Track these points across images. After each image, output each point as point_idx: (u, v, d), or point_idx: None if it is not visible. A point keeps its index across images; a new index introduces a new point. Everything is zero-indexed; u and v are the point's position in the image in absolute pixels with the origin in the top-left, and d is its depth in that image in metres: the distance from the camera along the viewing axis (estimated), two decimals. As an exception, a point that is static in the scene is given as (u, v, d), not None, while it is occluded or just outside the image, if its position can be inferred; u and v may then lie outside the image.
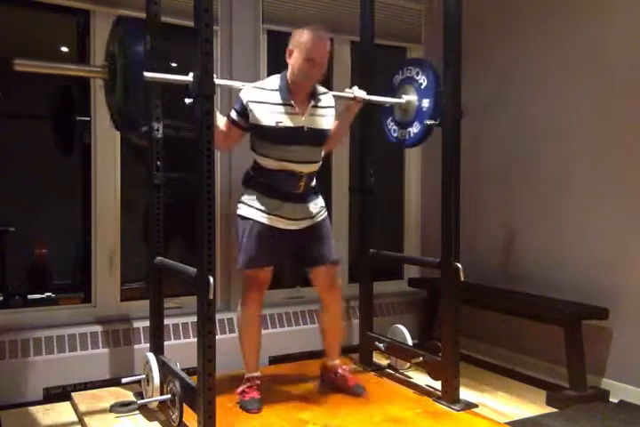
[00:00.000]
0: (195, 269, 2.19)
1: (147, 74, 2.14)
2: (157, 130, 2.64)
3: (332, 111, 2.67)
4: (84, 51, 3.07)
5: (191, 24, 2.14)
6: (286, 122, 2.49)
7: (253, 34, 3.35)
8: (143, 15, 2.72)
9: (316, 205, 2.68)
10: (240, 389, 2.60)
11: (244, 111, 2.51)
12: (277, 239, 2.56)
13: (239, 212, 2.61)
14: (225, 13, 3.27)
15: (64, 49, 3.24)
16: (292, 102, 2.51)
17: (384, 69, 3.26)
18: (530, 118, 3.36)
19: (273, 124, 2.48)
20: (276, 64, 3.51)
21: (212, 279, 2.12)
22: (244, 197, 2.61)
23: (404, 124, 2.94)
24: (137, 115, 2.20)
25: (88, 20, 3.02)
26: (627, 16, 2.88)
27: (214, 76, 2.42)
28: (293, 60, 2.50)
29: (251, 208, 2.57)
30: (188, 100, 2.21)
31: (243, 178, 2.66)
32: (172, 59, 3.18)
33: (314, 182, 2.67)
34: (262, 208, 2.55)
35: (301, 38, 2.48)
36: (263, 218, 2.55)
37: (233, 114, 2.55)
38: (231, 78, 3.23)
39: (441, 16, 2.67)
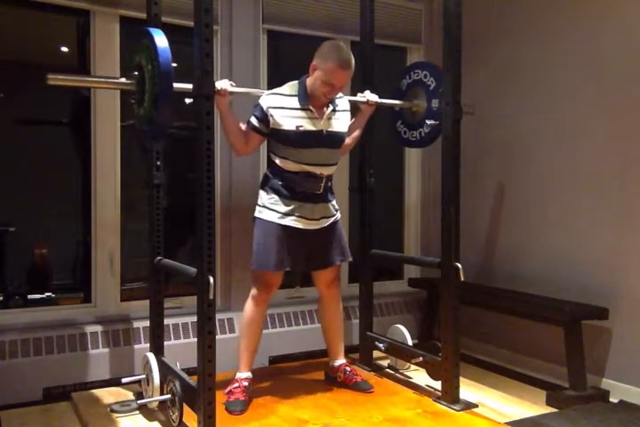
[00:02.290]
0: (195, 269, 2.19)
1: (175, 84, 2.14)
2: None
3: (348, 115, 2.74)
4: (84, 51, 3.07)
5: (191, 24, 2.14)
6: (306, 126, 2.55)
7: (253, 34, 3.35)
8: (143, 15, 2.73)
9: (334, 205, 2.74)
10: (227, 389, 2.60)
11: (264, 117, 2.56)
12: (296, 241, 2.60)
13: (258, 215, 2.63)
14: (225, 13, 3.27)
15: (64, 49, 3.24)
16: (311, 107, 2.56)
17: (384, 70, 3.26)
18: (529, 118, 3.36)
19: (293, 128, 2.53)
20: (276, 64, 3.52)
21: (212, 279, 2.12)
22: (264, 200, 2.63)
23: (414, 126, 2.99)
24: (166, 124, 2.21)
25: (88, 20, 3.02)
26: (623, 13, 2.88)
27: (231, 83, 2.44)
28: (315, 77, 2.54)
29: (272, 211, 2.60)
30: (188, 100, 2.22)
31: (262, 181, 2.70)
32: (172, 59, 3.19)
33: (330, 183, 2.73)
34: (282, 210, 2.58)
35: (327, 62, 2.48)
36: (283, 220, 2.58)
37: (254, 120, 2.59)
38: (231, 78, 3.21)
39: (441, 16, 2.67)
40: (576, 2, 3.12)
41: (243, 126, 2.61)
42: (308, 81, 2.58)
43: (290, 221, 2.58)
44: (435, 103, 2.84)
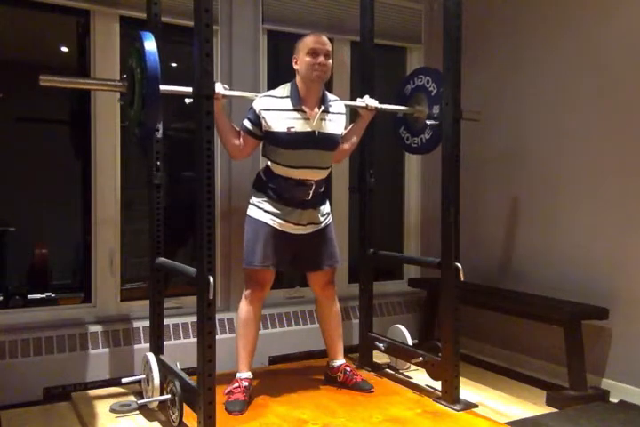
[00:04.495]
0: (195, 269, 2.19)
1: (162, 87, 2.15)
2: (157, 130, 2.64)
3: (343, 118, 2.73)
4: (84, 51, 3.07)
5: (191, 24, 2.14)
6: (298, 127, 2.55)
7: (253, 34, 3.35)
8: (143, 15, 2.73)
9: (322, 211, 2.74)
10: (227, 389, 2.60)
11: (257, 120, 2.57)
12: (283, 242, 2.62)
13: (249, 213, 2.66)
14: (225, 13, 3.26)
15: (64, 49, 3.24)
16: (303, 107, 2.57)
17: (384, 72, 3.26)
18: (529, 117, 3.36)
19: (285, 129, 2.53)
20: (276, 64, 3.52)
21: (212, 279, 2.12)
22: (255, 199, 2.66)
23: (416, 132, 3.00)
24: (154, 125, 2.24)
25: (88, 20, 3.02)
26: (624, 13, 2.87)
27: (225, 86, 2.46)
28: (299, 63, 2.57)
29: (260, 210, 2.62)
30: (188, 100, 2.23)
31: (254, 180, 2.72)
32: (172, 59, 3.19)
33: (322, 189, 2.72)
34: (271, 211, 2.61)
35: (301, 42, 2.58)
36: (272, 221, 2.61)
37: (247, 123, 2.60)
38: (231, 78, 3.23)
39: (441, 16, 2.67)
40: (577, 2, 3.12)
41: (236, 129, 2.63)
42: (297, 77, 2.60)
43: (276, 224, 2.61)
44: (435, 109, 2.83)
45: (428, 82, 2.91)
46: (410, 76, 3.09)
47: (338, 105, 2.72)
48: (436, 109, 2.83)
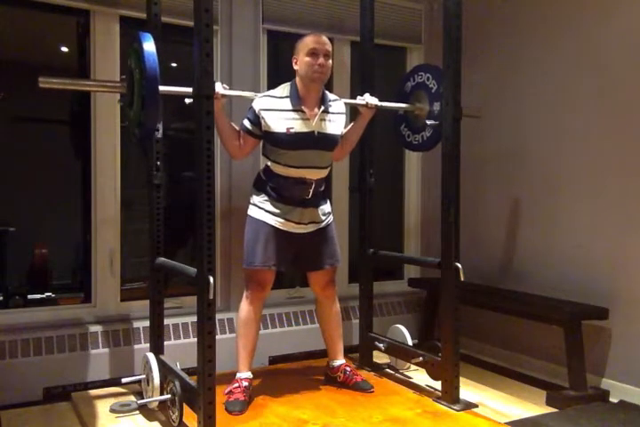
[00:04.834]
0: (195, 269, 2.19)
1: (161, 87, 2.16)
2: (157, 130, 2.65)
3: (343, 117, 2.73)
4: (84, 51, 3.07)
5: (191, 24, 2.14)
6: (297, 127, 2.55)
7: (253, 34, 3.35)
8: (143, 15, 2.73)
9: (324, 210, 2.74)
10: (227, 389, 2.60)
11: (256, 120, 2.57)
12: (284, 241, 2.62)
13: (250, 212, 2.67)
14: (225, 13, 3.26)
15: (64, 49, 3.24)
16: (303, 108, 2.57)
17: (384, 72, 3.26)
18: (529, 117, 3.36)
19: (284, 130, 2.53)
20: (276, 64, 3.52)
21: (212, 279, 2.12)
22: (255, 199, 2.66)
23: (417, 129, 3.00)
24: (154, 126, 2.24)
25: (88, 20, 3.02)
26: (624, 13, 2.87)
27: (224, 86, 2.46)
28: (299, 63, 2.57)
29: (260, 210, 2.63)
30: (188, 100, 2.24)
31: (254, 180, 2.72)
32: (172, 59, 3.19)
33: (322, 187, 2.72)
34: (272, 211, 2.61)
35: (301, 42, 2.58)
36: (272, 220, 2.61)
37: (246, 123, 2.61)
38: (231, 78, 3.23)
39: (441, 16, 2.67)
40: (577, 2, 3.12)
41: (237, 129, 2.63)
42: (297, 77, 2.60)
43: (277, 223, 2.61)
44: (436, 106, 2.82)
45: (428, 79, 2.91)
46: (410, 73, 3.08)
47: (338, 105, 2.72)
48: (436, 106, 2.83)
